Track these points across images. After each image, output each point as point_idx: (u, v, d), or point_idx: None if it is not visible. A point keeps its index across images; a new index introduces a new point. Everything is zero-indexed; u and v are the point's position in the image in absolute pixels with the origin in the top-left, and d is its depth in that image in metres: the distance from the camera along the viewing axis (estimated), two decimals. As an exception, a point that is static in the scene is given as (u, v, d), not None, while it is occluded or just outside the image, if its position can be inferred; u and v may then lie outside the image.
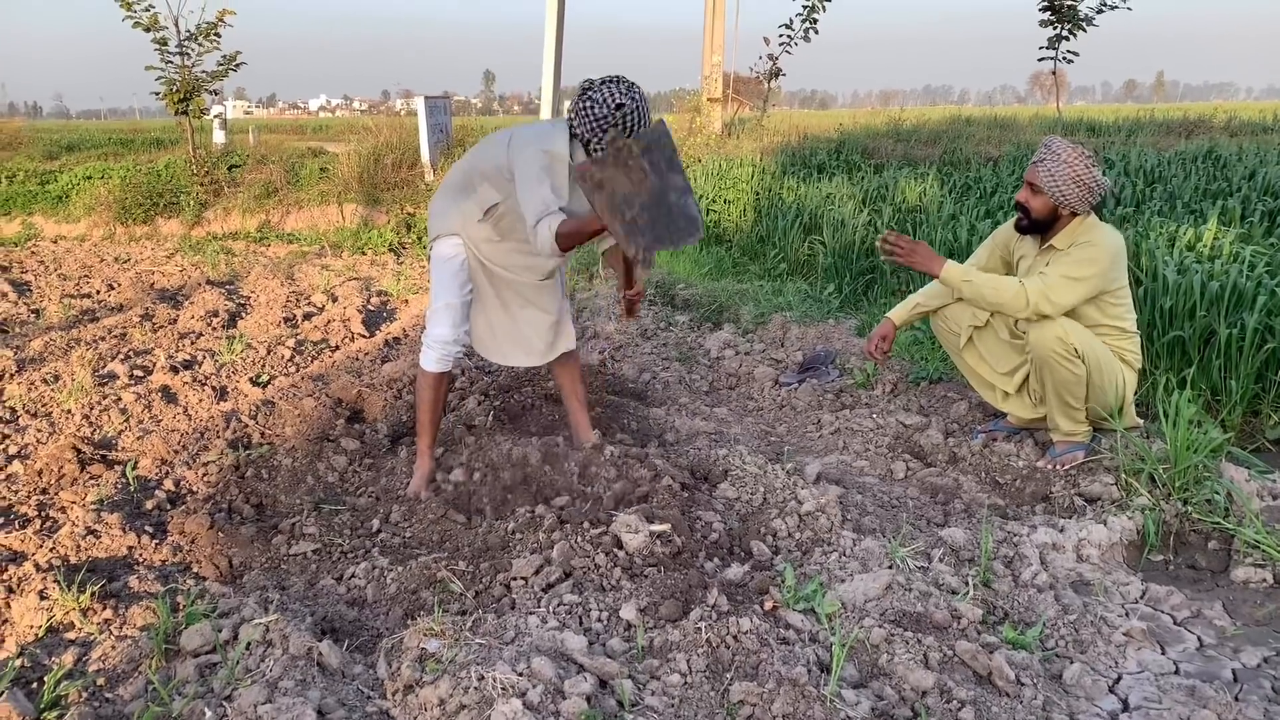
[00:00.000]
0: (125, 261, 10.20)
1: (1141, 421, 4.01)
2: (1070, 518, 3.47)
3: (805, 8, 14.40)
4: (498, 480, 3.58)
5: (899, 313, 4.34)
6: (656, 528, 3.07)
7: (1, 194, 13.98)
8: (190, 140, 13.25)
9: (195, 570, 3.16)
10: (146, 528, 3.41)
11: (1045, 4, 12.63)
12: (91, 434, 4.41)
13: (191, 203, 12.68)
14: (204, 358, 5.71)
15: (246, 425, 4.46)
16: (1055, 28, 12.73)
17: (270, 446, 4.12)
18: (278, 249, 11.11)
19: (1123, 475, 3.57)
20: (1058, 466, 3.83)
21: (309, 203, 12.71)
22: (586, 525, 3.12)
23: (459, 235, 3.64)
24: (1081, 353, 3.62)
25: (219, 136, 17.08)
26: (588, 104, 3.31)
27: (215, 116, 16.80)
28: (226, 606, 2.74)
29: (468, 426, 4.14)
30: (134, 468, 3.96)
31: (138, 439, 4.32)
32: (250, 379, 5.29)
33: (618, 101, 3.27)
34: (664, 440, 4.31)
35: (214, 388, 5.12)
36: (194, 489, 3.81)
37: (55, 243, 12.38)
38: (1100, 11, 12.44)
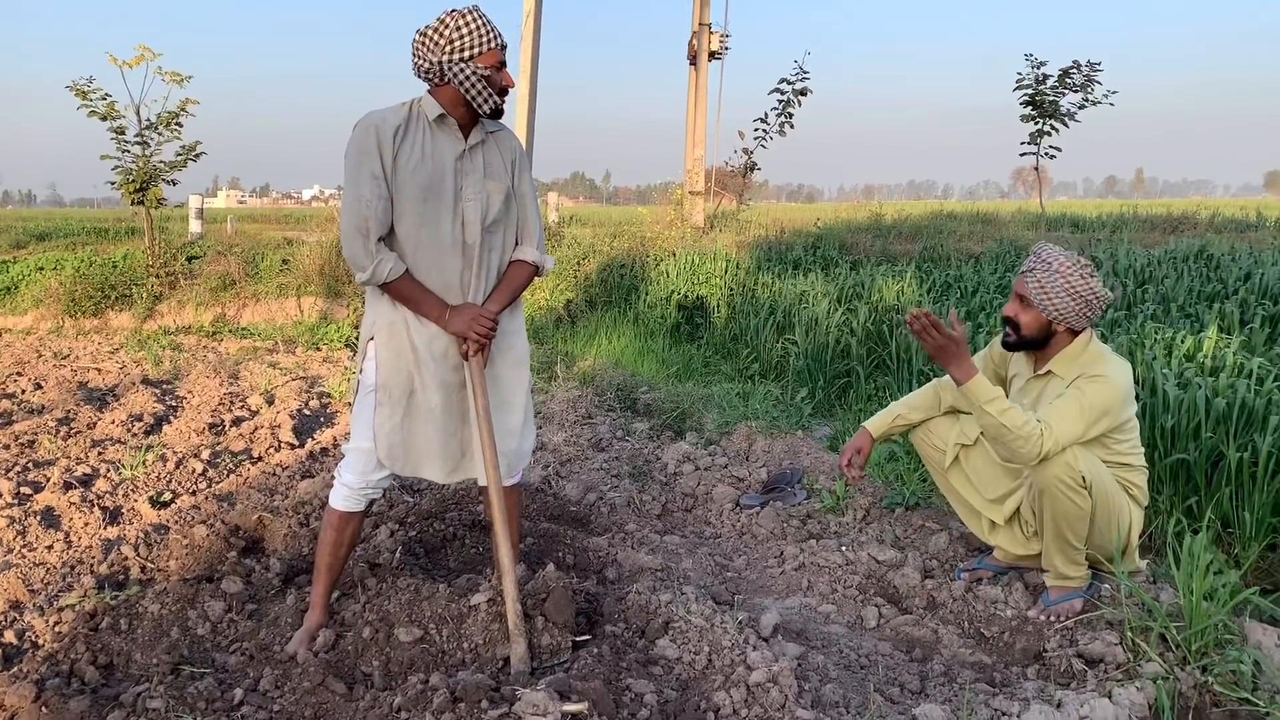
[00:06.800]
0: (65, 357, 9.65)
1: (1143, 564, 3.49)
2: (1068, 685, 2.92)
3: (780, 102, 14.28)
4: (391, 638, 3.01)
5: (877, 423, 3.82)
6: (571, 708, 2.52)
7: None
8: (149, 230, 12.82)
9: (4, 759, 2.58)
10: (-41, 698, 2.83)
11: (1027, 99, 12.51)
12: (-57, 568, 3.83)
13: (144, 295, 12.19)
14: (106, 471, 5.14)
15: (127, 557, 3.90)
16: (1037, 123, 12.61)
17: (140, 588, 3.54)
18: (230, 344, 10.57)
19: (1128, 633, 3.03)
20: (1052, 618, 3.29)
21: (267, 296, 12.23)
22: (485, 704, 2.56)
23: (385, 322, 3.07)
24: (1089, 482, 3.09)
25: (195, 226, 16.64)
26: (416, 39, 2.99)
27: (191, 206, 16.39)
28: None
29: (370, 565, 3.55)
30: (-25, 613, 3.39)
31: (-5, 574, 3.73)
32: (150, 498, 4.72)
33: (448, 10, 2.97)
34: (604, 578, 3.76)
35: (105, 509, 4.55)
36: (39, 641, 3.23)
37: (-1, 336, 11.81)
38: (1082, 108, 12.33)
